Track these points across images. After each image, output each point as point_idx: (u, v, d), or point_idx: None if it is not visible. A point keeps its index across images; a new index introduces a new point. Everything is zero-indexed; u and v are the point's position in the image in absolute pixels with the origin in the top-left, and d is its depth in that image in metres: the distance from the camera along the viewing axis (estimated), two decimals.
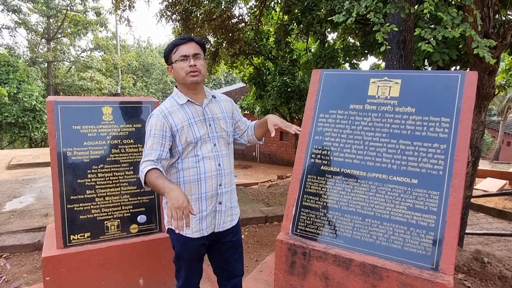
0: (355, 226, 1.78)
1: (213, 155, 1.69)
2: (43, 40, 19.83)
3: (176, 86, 1.76)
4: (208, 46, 7.18)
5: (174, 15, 6.32)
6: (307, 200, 1.93)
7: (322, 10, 4.76)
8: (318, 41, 6.55)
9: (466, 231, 4.09)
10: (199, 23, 6.00)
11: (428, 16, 3.87)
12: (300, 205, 1.95)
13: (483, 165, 13.32)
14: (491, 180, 8.29)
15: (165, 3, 6.26)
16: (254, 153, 15.99)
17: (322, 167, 1.94)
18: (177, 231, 1.39)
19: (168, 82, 27.58)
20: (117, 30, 19.28)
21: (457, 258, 2.85)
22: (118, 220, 2.30)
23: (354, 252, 1.74)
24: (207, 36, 6.80)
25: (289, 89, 7.43)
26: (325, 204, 1.88)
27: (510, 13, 3.49)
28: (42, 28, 19.62)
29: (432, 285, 1.51)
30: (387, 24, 2.54)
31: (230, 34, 6.32)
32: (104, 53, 20.72)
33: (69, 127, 2.20)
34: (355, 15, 2.52)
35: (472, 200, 5.55)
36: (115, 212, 2.29)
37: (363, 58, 6.18)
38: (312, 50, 7.85)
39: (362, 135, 1.88)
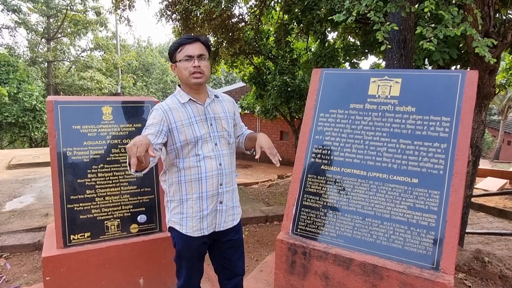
0: (356, 225, 1.78)
1: (214, 155, 1.69)
2: (43, 40, 19.82)
3: (179, 85, 1.76)
4: None
5: (174, 15, 6.32)
6: (308, 199, 1.93)
7: (322, 9, 4.76)
8: (318, 40, 6.55)
9: (467, 231, 4.09)
10: (199, 22, 5.99)
11: (429, 15, 3.87)
12: (301, 204, 1.94)
13: (483, 164, 13.32)
14: (491, 179, 8.29)
15: (165, 2, 6.25)
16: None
17: (322, 167, 1.94)
18: (131, 171, 1.34)
19: (168, 81, 27.55)
20: (117, 30, 19.28)
21: (458, 257, 2.85)
22: (118, 220, 2.30)
23: (354, 252, 1.74)
24: (207, 36, 6.79)
25: (289, 89, 7.43)
26: (325, 203, 1.88)
27: (511, 12, 3.49)
28: (42, 28, 19.62)
29: (433, 284, 1.51)
30: (388, 23, 2.53)
31: (230, 34, 6.32)
32: (104, 52, 20.71)
33: (69, 127, 2.19)
34: (355, 14, 2.51)
35: (473, 199, 5.55)
36: (115, 212, 2.29)
37: (363, 57, 6.17)
38: (312, 49, 7.84)
39: (363, 135, 1.87)
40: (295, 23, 6.68)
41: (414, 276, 1.55)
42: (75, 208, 2.20)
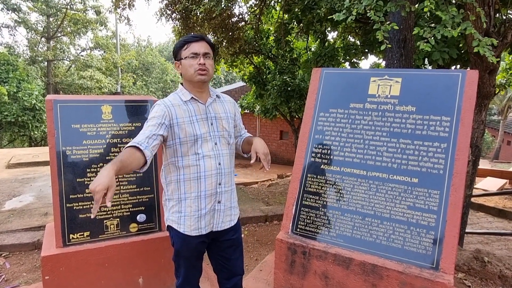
0: (355, 225, 1.78)
1: (213, 154, 1.69)
2: (42, 39, 19.79)
3: (181, 83, 1.76)
4: None
5: (174, 14, 6.31)
6: (307, 199, 1.93)
7: (322, 8, 4.75)
8: (318, 40, 6.55)
9: (466, 230, 4.09)
10: (199, 22, 5.99)
11: (429, 15, 3.87)
12: (300, 204, 1.94)
13: (483, 164, 13.32)
14: (491, 179, 8.29)
15: (165, 1, 6.24)
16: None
17: (322, 166, 1.93)
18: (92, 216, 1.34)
19: (168, 81, 27.52)
20: (117, 29, 19.27)
21: (457, 257, 2.85)
22: (118, 219, 2.30)
23: (354, 251, 1.74)
24: (207, 35, 6.78)
25: (289, 88, 7.42)
26: (325, 203, 1.88)
27: (511, 12, 3.48)
28: (41, 27, 19.59)
29: (432, 284, 1.51)
30: (388, 22, 2.53)
31: (230, 33, 6.31)
32: (104, 52, 20.70)
33: (68, 126, 2.19)
34: (355, 14, 2.51)
35: (472, 199, 5.55)
36: (114, 211, 2.29)
37: (363, 57, 6.17)
38: (312, 49, 7.84)
39: (362, 134, 1.87)
40: (295, 23, 6.68)
41: (414, 275, 1.55)
42: (75, 207, 2.19)
